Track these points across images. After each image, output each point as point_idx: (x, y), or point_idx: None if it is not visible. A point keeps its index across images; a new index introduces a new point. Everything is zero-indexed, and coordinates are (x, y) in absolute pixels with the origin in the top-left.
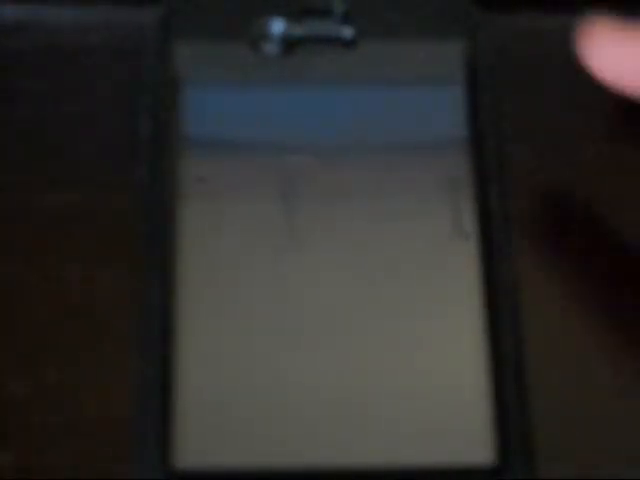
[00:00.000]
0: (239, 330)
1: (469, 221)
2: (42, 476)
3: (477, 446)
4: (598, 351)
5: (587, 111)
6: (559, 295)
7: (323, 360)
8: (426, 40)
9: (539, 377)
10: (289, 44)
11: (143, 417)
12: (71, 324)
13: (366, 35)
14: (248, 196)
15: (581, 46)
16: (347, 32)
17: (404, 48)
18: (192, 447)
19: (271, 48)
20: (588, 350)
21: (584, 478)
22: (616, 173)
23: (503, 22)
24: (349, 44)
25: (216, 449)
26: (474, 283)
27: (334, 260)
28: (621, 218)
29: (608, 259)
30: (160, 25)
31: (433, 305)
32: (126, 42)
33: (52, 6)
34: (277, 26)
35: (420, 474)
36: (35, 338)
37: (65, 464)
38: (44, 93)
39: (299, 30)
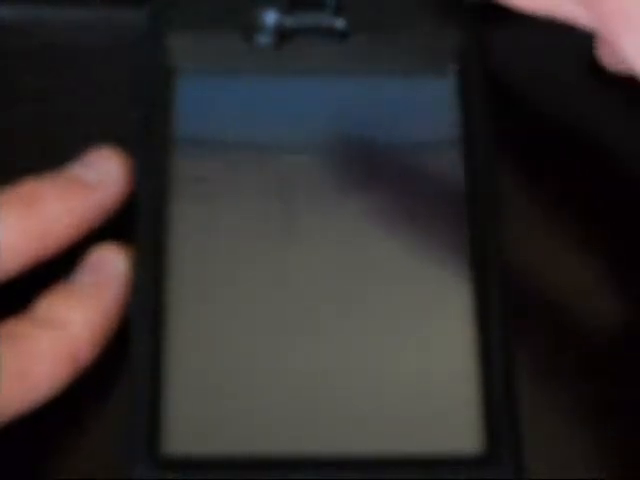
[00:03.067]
0: (232, 323)
1: (464, 222)
2: (43, 476)
3: (466, 436)
4: (587, 343)
5: (584, 108)
6: (549, 286)
7: (313, 350)
8: (420, 32)
9: (528, 368)
10: (282, 35)
11: (133, 404)
12: None
13: (359, 27)
14: (243, 192)
15: None
16: (340, 23)
17: (397, 40)
18: (180, 434)
19: (264, 39)
20: (577, 342)
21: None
22: (614, 171)
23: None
24: (342, 36)
25: (204, 437)
26: (466, 278)
27: (331, 257)
28: (619, 214)
29: (602, 255)
30: (152, 17)
31: (425, 299)
32: (125, 41)
33: (51, 6)
34: (270, 17)
35: (408, 463)
36: None
37: (62, 463)
38: (43, 92)
39: (292, 21)
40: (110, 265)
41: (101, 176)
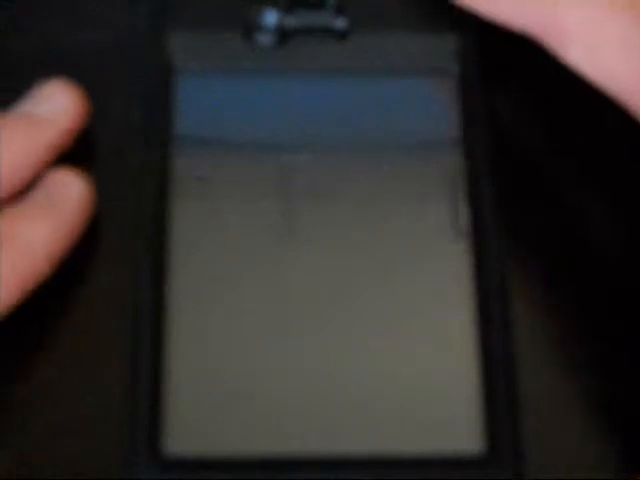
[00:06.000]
0: (232, 322)
1: (464, 218)
2: (42, 476)
3: (466, 436)
4: (586, 343)
5: (584, 108)
6: (547, 291)
7: (313, 351)
8: (420, 31)
9: (528, 368)
10: (282, 35)
11: (134, 405)
12: (69, 323)
13: (359, 26)
14: (243, 192)
15: None
16: (340, 23)
17: (398, 39)
18: (182, 434)
19: (265, 39)
20: (576, 342)
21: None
22: (615, 170)
23: None
24: (342, 35)
25: (206, 437)
26: (466, 279)
27: (331, 256)
28: (620, 217)
29: (600, 257)
30: (152, 17)
31: (425, 299)
32: (126, 41)
33: (51, 6)
34: (270, 17)
35: (408, 463)
36: (35, 338)
37: (64, 463)
38: None
39: (292, 21)
40: (67, 187)
41: (53, 111)
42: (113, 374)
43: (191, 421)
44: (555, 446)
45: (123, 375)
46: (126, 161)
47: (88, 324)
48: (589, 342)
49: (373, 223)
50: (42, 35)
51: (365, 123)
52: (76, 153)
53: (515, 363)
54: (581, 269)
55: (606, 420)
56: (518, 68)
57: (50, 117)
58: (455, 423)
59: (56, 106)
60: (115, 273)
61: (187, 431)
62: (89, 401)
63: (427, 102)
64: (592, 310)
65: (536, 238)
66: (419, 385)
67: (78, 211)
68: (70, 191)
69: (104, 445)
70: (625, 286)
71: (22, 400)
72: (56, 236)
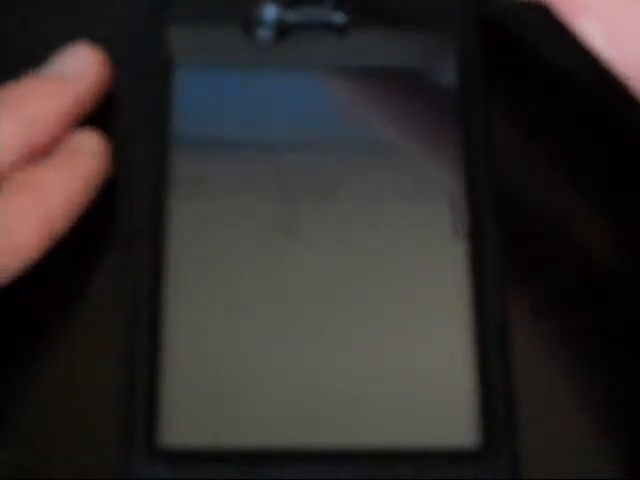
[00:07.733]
0: (230, 320)
1: (464, 219)
2: (42, 476)
3: (463, 430)
4: (585, 341)
5: (583, 104)
6: (546, 290)
7: (310, 343)
8: (420, 27)
9: (525, 362)
10: (282, 30)
11: (130, 397)
12: (67, 318)
13: (359, 21)
14: (242, 189)
15: None
16: (340, 18)
17: (397, 35)
18: (178, 427)
19: (264, 34)
20: (574, 339)
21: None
22: (614, 164)
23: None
24: (341, 30)
25: (202, 429)
26: (465, 277)
27: (330, 255)
28: (622, 213)
29: (600, 254)
30: (152, 11)
31: (422, 295)
32: (126, 39)
33: (51, 5)
34: (270, 11)
35: (405, 457)
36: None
37: (64, 462)
38: None
39: (292, 16)
40: (83, 142)
41: (78, 68)
42: (110, 369)
43: (187, 414)
44: (552, 443)
45: (120, 369)
46: (126, 159)
47: (86, 320)
48: (588, 339)
49: (373, 223)
50: (42, 35)
51: (365, 121)
52: None
53: (512, 356)
54: (580, 268)
55: (604, 418)
56: (518, 66)
57: (76, 74)
58: (451, 417)
59: (80, 63)
60: (114, 271)
61: (183, 423)
62: (86, 394)
63: (427, 96)
64: (592, 308)
65: (536, 237)
66: (416, 380)
67: (94, 164)
68: (87, 146)
69: (100, 438)
70: (625, 283)
71: (18, 394)
72: (71, 186)
